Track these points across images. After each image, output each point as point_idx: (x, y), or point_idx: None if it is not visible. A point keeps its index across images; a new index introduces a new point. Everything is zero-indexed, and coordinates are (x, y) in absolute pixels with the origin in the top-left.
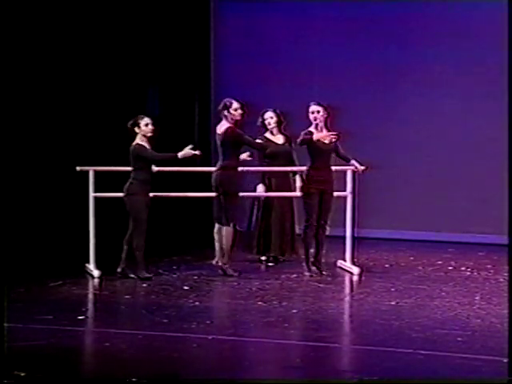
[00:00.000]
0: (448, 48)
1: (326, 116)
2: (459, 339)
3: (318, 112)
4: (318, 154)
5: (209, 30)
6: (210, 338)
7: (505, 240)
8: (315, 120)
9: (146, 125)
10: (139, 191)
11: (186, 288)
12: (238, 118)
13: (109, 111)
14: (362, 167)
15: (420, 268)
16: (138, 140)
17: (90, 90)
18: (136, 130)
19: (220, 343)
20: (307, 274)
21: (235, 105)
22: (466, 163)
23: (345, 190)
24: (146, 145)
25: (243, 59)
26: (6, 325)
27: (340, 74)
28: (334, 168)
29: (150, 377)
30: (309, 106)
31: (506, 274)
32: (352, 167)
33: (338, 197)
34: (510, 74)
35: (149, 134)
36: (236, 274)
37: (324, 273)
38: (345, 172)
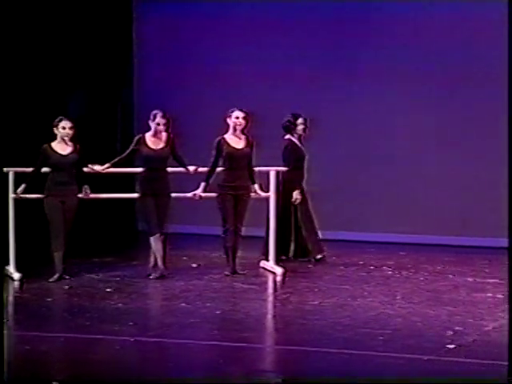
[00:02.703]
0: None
1: (246, 122)
2: (381, 338)
3: (237, 118)
4: (232, 159)
5: (131, 33)
6: (132, 339)
7: (424, 239)
8: (236, 125)
9: (63, 128)
10: (49, 192)
11: (108, 290)
12: (160, 127)
13: (30, 113)
14: (263, 194)
15: (342, 268)
16: (55, 141)
17: (12, 92)
18: (55, 131)
19: (143, 345)
20: (227, 273)
21: (158, 118)
22: (385, 162)
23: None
24: (60, 146)
25: (166, 63)
26: None
27: (263, 78)
28: (257, 169)
29: (71, 379)
30: (232, 111)
31: (426, 274)
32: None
33: (259, 198)
34: (510, 73)
35: (65, 137)
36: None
37: (241, 272)
38: (267, 173)
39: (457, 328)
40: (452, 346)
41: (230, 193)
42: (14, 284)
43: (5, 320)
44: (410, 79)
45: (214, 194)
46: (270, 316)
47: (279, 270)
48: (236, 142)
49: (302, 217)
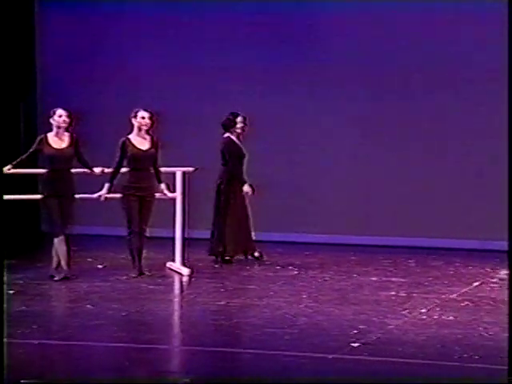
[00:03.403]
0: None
1: (151, 123)
2: (287, 338)
3: (143, 118)
4: (136, 160)
5: (34, 31)
6: (36, 342)
7: (329, 239)
8: (142, 125)
9: None
10: None
11: (11, 292)
12: (63, 124)
13: None
14: (170, 195)
15: (248, 268)
16: None
17: None
18: None
19: (47, 348)
20: (134, 275)
21: (58, 112)
22: (294, 163)
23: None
24: None
25: (70, 61)
26: None
27: (169, 79)
28: (163, 169)
29: None
30: (137, 112)
31: (331, 273)
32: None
33: (165, 198)
34: (510, 73)
35: None
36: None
37: (147, 274)
38: (174, 173)
39: (361, 326)
40: (356, 345)
41: (135, 194)
42: None
43: None
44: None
45: (118, 195)
46: (176, 317)
47: (186, 271)
48: (141, 142)
49: (240, 214)
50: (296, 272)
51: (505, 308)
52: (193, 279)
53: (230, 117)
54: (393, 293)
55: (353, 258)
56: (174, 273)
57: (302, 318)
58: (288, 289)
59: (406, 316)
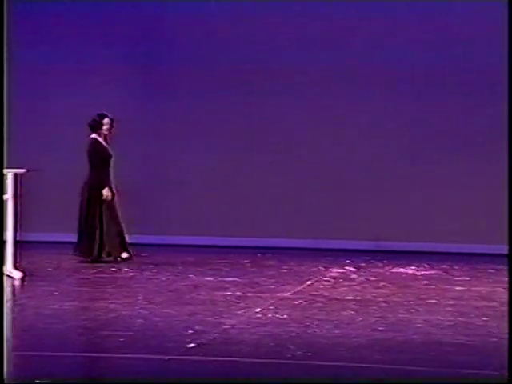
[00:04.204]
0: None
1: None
2: (121, 340)
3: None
4: None
5: None
6: None
7: (163, 240)
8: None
9: None
10: None
11: None
12: None
13: None
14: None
15: (84, 271)
16: None
17: None
18: None
19: None
20: None
21: None
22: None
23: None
24: None
25: None
26: None
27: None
28: None
29: None
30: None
31: (168, 274)
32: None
33: None
34: (510, 73)
35: None
36: None
37: None
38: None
39: (197, 327)
40: (192, 345)
41: None
42: None
43: None
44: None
45: None
46: (8, 322)
47: (17, 275)
48: None
49: (108, 216)
50: (132, 273)
51: (337, 305)
52: (25, 283)
53: (97, 118)
54: (228, 293)
55: (188, 258)
56: (5, 277)
57: (138, 320)
58: (124, 291)
59: (241, 315)
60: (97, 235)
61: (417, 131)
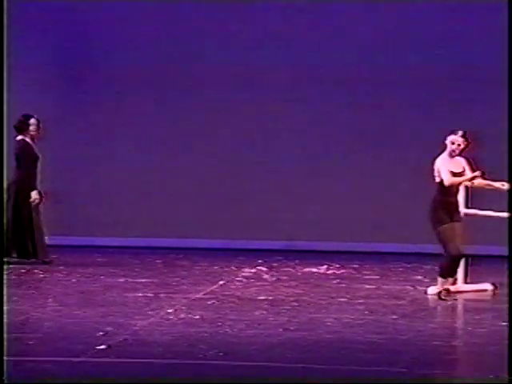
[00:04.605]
0: None
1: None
2: (30, 342)
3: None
4: None
5: None
6: None
7: (73, 241)
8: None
9: None
10: None
11: None
12: None
13: None
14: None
15: None
16: None
17: None
18: None
19: None
20: None
21: None
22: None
23: None
24: None
25: None
26: None
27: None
28: None
29: None
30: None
31: (78, 276)
32: None
33: None
34: (510, 73)
35: None
36: None
37: None
38: None
39: (108, 328)
40: (102, 347)
41: None
42: None
43: None
44: None
45: None
46: None
47: None
48: None
49: (36, 218)
50: (42, 275)
51: (250, 305)
52: None
53: (22, 119)
54: (140, 294)
55: (99, 259)
56: None
57: (47, 322)
58: (33, 292)
59: (152, 316)
60: (27, 236)
61: (324, 130)
